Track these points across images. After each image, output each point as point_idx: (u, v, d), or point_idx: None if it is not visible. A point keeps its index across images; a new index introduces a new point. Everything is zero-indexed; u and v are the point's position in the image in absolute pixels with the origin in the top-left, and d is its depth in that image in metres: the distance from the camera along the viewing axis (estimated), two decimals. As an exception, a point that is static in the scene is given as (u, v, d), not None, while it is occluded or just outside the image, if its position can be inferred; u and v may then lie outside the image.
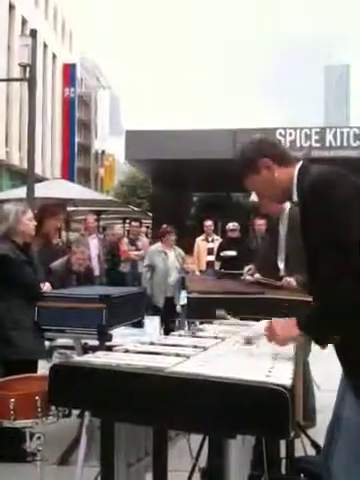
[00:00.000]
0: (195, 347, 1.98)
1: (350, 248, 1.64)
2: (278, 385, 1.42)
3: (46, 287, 3.53)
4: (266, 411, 1.41)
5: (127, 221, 20.78)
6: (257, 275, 3.89)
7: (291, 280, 3.67)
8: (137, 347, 2.00)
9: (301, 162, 1.94)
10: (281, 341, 1.85)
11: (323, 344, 1.82)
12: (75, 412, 3.14)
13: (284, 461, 2.71)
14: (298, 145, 14.07)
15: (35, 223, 3.61)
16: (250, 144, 2.02)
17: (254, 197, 3.82)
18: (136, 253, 8.53)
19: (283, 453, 2.69)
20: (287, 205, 3.77)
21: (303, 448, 3.15)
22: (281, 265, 3.88)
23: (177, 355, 1.82)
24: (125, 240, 9.10)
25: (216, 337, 2.22)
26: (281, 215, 3.85)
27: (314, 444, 3.26)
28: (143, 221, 13.60)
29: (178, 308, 6.39)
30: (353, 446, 1.82)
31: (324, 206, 1.70)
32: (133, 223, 9.19)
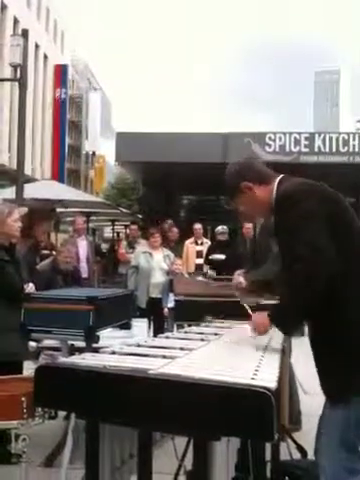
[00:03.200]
0: (182, 349, 1.99)
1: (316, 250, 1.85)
2: (263, 387, 1.42)
3: (30, 287, 3.50)
4: (250, 414, 1.41)
5: (116, 223, 20.79)
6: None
7: (241, 279, 3.74)
8: (124, 349, 2.00)
9: (278, 178, 2.15)
10: (261, 333, 2.10)
11: (290, 335, 2.18)
12: (61, 414, 3.13)
13: (269, 464, 2.72)
14: (287, 150, 14.14)
15: (20, 224, 3.58)
16: (232, 169, 2.25)
17: None
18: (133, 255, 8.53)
19: (268, 456, 2.70)
20: None
21: (288, 451, 3.16)
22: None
23: (164, 357, 1.82)
24: (124, 243, 9.08)
25: (203, 339, 2.23)
26: (258, 220, 3.91)
27: (299, 447, 3.28)
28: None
29: (165, 311, 6.37)
30: (333, 439, 1.93)
31: (287, 219, 1.96)
32: (132, 226, 9.14)
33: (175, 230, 8.64)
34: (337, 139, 14.35)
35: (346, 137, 14.42)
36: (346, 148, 14.22)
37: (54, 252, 5.71)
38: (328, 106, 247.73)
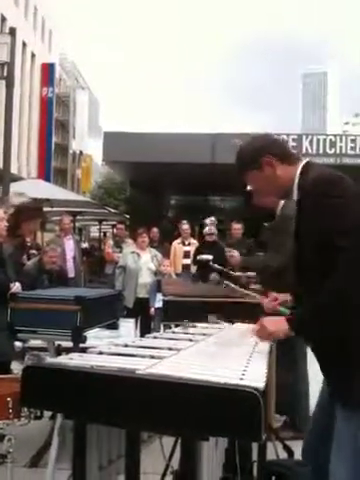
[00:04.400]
0: (170, 349, 1.98)
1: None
2: (251, 388, 1.43)
3: (16, 287, 3.47)
4: (239, 414, 1.41)
5: (103, 223, 20.69)
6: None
7: (234, 253, 3.70)
8: (111, 349, 2.00)
9: (304, 162, 1.97)
10: (272, 338, 1.93)
11: (309, 342, 1.91)
12: (47, 414, 3.11)
13: (256, 464, 2.72)
14: (275, 151, 14.21)
15: (6, 224, 3.55)
16: (253, 140, 2.05)
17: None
18: (120, 255, 8.49)
19: (255, 456, 2.70)
20: (281, 202, 3.69)
21: (275, 451, 3.18)
22: None
23: (151, 357, 1.82)
24: (110, 242, 9.04)
25: (191, 340, 2.23)
26: (276, 210, 3.77)
27: (286, 447, 3.29)
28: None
29: (152, 311, 6.37)
30: (351, 461, 1.79)
31: (327, 203, 1.74)
32: (119, 225, 9.10)
33: (155, 230, 8.63)
34: (324, 141, 14.45)
35: (333, 139, 14.52)
36: (333, 150, 14.33)
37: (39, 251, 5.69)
38: (316, 108, 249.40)
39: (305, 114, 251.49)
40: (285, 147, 2.05)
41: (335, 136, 14.90)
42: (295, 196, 1.93)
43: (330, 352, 1.82)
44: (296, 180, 1.92)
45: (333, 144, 14.34)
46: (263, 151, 1.96)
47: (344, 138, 14.59)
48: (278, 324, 1.88)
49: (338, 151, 14.30)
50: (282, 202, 3.67)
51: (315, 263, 1.81)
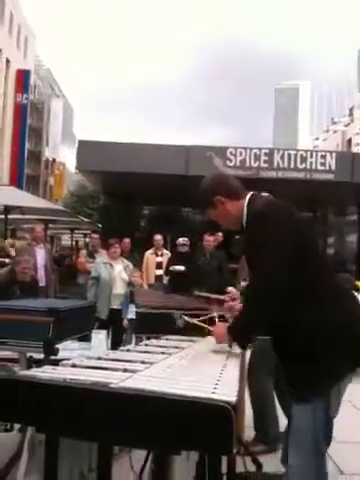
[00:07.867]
0: (143, 362, 2.00)
1: (283, 250, 2.02)
2: (223, 402, 1.46)
3: None
4: (210, 427, 1.44)
5: (75, 231, 20.54)
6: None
7: (232, 289, 3.75)
8: (84, 362, 2.00)
9: (249, 195, 2.30)
10: (219, 342, 2.26)
11: (243, 348, 2.27)
12: (16, 426, 3.07)
13: (225, 477, 2.74)
14: (247, 164, 14.35)
15: None
16: (206, 183, 2.39)
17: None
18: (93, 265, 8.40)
19: (224, 469, 2.72)
20: None
21: (244, 464, 3.20)
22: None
23: (125, 370, 1.83)
24: (83, 252, 8.94)
25: (163, 353, 2.24)
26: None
27: (255, 461, 3.32)
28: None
29: (125, 322, 6.33)
30: (302, 446, 2.01)
31: (256, 238, 2.11)
32: (93, 235, 9.01)
33: (127, 241, 8.60)
34: (295, 156, 14.67)
35: (304, 154, 14.75)
36: (304, 165, 14.56)
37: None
38: (287, 123, 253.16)
39: (277, 129, 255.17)
40: (232, 185, 2.35)
41: (306, 151, 15.14)
42: (244, 223, 2.28)
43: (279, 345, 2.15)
44: (245, 210, 2.26)
45: (304, 159, 14.57)
46: (213, 192, 2.31)
47: (314, 154, 14.84)
48: (217, 330, 2.29)
49: (308, 166, 14.54)
50: None
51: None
